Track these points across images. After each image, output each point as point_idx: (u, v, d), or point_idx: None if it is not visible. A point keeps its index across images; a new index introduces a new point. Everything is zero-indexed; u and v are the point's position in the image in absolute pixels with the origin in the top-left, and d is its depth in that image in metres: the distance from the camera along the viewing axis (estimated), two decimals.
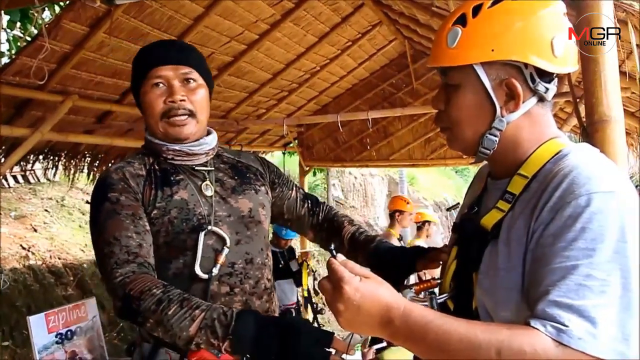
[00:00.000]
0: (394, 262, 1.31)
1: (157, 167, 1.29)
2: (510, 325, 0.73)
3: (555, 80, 0.90)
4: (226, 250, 1.23)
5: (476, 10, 0.86)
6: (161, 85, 1.26)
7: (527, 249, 0.79)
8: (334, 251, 0.82)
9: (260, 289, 1.29)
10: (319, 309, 4.34)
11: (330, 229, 1.48)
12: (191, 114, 1.27)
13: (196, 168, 1.31)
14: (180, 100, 1.25)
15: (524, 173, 0.86)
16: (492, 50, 0.84)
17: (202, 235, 1.21)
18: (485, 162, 1.07)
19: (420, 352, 0.77)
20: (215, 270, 1.21)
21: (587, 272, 0.71)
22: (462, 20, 0.87)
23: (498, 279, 0.82)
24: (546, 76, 0.87)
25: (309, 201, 1.50)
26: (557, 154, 0.85)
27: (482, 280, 0.86)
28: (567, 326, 0.69)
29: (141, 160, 1.30)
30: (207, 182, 1.30)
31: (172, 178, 1.27)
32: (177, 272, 1.21)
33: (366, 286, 0.76)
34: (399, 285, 1.22)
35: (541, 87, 0.86)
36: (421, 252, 1.31)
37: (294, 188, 1.50)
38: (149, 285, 1.07)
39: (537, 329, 0.70)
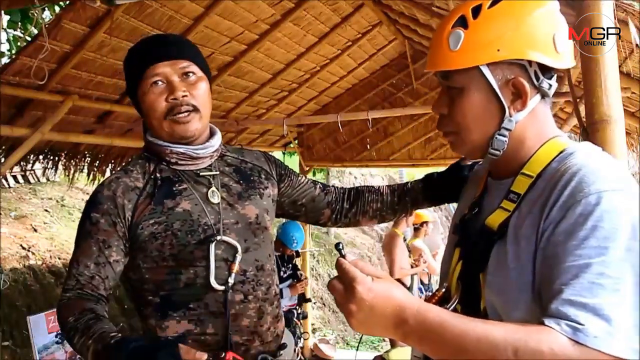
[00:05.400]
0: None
1: (158, 176, 1.24)
2: (525, 325, 0.72)
3: (555, 76, 0.90)
4: (239, 258, 1.22)
5: (476, 11, 0.86)
6: (160, 83, 1.20)
7: (537, 247, 0.79)
8: (342, 250, 0.79)
9: (271, 295, 1.29)
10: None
11: (357, 192, 1.46)
12: (195, 109, 1.21)
13: (200, 174, 1.26)
14: (183, 97, 1.20)
15: (528, 172, 0.86)
16: (498, 50, 0.84)
17: (212, 246, 1.18)
18: (480, 163, 1.06)
19: (434, 353, 0.76)
20: (231, 280, 1.20)
21: (600, 271, 0.71)
22: (462, 23, 0.86)
23: (508, 279, 0.82)
24: (548, 73, 0.87)
25: (320, 183, 1.50)
26: (561, 152, 0.85)
27: (490, 280, 0.85)
28: (582, 325, 0.68)
29: (142, 167, 1.25)
30: (213, 188, 1.26)
31: (174, 189, 1.22)
32: (188, 282, 1.20)
33: (379, 286, 0.74)
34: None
35: (545, 84, 0.87)
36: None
37: (301, 175, 1.49)
38: (67, 314, 1.12)
39: (552, 328, 0.69)
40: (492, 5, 0.86)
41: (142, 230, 1.18)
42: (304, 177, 1.48)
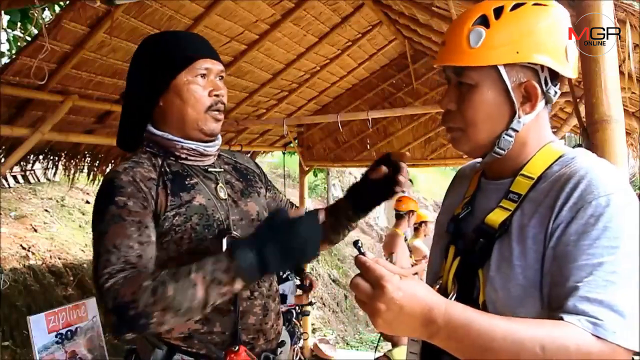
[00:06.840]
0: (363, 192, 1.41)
1: (167, 170, 1.22)
2: (544, 321, 0.74)
3: (559, 84, 0.93)
4: None
5: (498, 12, 0.88)
6: (203, 77, 1.23)
7: (545, 246, 0.81)
8: (361, 248, 0.77)
9: (273, 291, 1.32)
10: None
11: None
12: (224, 109, 1.28)
13: (209, 169, 1.29)
14: (222, 95, 1.26)
15: (528, 174, 0.89)
16: (517, 52, 0.86)
17: (224, 241, 1.19)
18: (465, 163, 1.08)
19: (460, 351, 0.75)
20: None
21: (612, 269, 0.74)
22: (484, 22, 0.89)
23: (512, 276, 0.83)
24: (554, 80, 0.91)
25: (294, 206, 1.55)
26: (561, 157, 0.89)
27: (492, 276, 0.86)
28: (602, 320, 0.71)
29: (149, 160, 1.23)
30: (221, 184, 1.28)
31: (186, 182, 1.22)
32: None
33: (407, 285, 0.73)
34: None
35: (552, 90, 0.91)
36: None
37: (281, 193, 1.54)
38: (138, 283, 1.01)
39: (573, 324, 0.72)
40: (514, 8, 0.88)
41: (163, 221, 1.16)
42: (284, 196, 1.53)
